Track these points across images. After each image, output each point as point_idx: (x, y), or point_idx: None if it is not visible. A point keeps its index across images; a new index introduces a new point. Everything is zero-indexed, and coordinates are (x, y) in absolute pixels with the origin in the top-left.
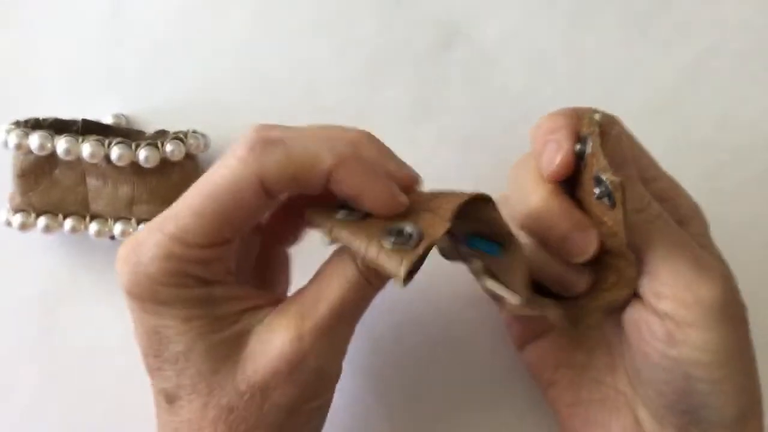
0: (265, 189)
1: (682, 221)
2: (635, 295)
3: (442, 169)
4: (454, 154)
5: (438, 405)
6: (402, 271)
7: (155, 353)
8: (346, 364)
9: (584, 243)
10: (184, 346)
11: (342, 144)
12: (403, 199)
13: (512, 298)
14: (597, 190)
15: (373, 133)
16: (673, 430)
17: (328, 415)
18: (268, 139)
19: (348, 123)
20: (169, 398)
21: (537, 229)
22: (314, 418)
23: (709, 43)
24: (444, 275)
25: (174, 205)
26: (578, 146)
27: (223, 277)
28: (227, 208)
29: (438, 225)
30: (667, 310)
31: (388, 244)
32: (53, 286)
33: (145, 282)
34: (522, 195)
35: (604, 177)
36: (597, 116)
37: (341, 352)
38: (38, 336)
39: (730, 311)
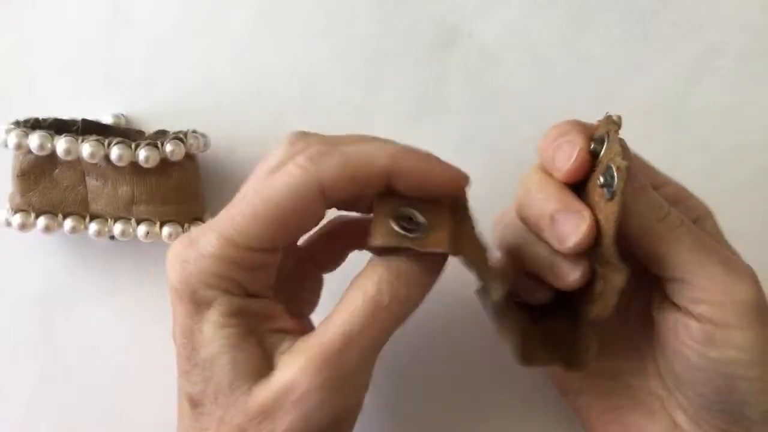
0: (324, 194)
1: (696, 222)
2: (668, 300)
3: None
4: (454, 154)
5: (438, 405)
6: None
7: (187, 355)
8: None
9: (573, 224)
10: (211, 354)
11: (389, 145)
12: (464, 172)
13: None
14: (602, 179)
15: (374, 133)
16: (712, 431)
17: None
18: (323, 146)
19: (348, 123)
20: (193, 403)
21: (529, 213)
22: None
23: (709, 43)
24: (445, 275)
25: (229, 207)
26: (593, 145)
27: (264, 291)
28: (286, 213)
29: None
30: (705, 314)
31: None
32: (53, 287)
33: (191, 280)
34: (522, 192)
35: (612, 164)
36: (614, 117)
37: (355, 387)
38: (38, 336)
39: (763, 308)
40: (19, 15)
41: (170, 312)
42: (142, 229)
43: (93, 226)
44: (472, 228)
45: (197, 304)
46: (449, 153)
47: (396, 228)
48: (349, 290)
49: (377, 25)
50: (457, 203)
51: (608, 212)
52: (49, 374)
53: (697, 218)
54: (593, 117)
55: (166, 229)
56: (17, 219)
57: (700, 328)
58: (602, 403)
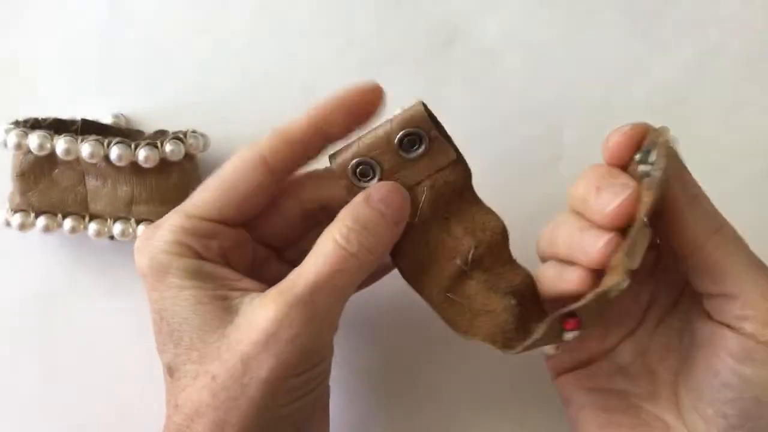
0: (265, 162)
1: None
2: (707, 314)
3: None
4: None
5: (438, 405)
6: None
7: (159, 330)
8: (346, 364)
9: (616, 191)
10: (179, 317)
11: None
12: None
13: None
14: (642, 166)
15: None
16: None
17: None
18: (271, 132)
19: None
20: (170, 371)
21: (576, 194)
22: (298, 398)
23: (709, 43)
24: None
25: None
26: (641, 167)
27: (216, 258)
28: (233, 183)
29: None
30: (749, 330)
31: None
32: (53, 286)
33: (151, 251)
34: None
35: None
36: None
37: (324, 328)
38: (38, 335)
39: None
40: (20, 15)
41: None
42: (141, 229)
43: (92, 226)
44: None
45: (157, 271)
46: None
47: (352, 178)
48: (320, 239)
49: (377, 24)
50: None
51: (645, 192)
52: (49, 374)
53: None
54: (593, 117)
55: None
56: (17, 219)
57: (739, 343)
58: (604, 418)
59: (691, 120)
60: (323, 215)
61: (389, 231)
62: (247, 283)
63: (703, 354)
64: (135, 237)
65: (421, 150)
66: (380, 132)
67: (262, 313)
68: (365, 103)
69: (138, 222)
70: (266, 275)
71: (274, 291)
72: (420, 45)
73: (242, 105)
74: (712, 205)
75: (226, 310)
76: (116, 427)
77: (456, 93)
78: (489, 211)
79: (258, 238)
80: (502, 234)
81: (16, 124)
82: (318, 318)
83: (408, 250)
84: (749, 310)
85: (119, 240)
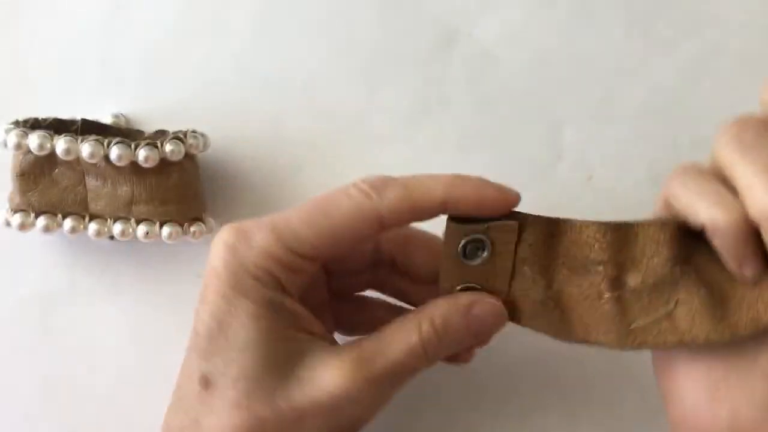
0: (381, 222)
1: None
2: None
3: (442, 169)
4: (454, 154)
5: (438, 404)
6: None
7: (212, 336)
8: None
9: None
10: (242, 341)
11: (444, 175)
12: (515, 191)
13: None
14: None
15: (374, 134)
16: None
17: None
18: (385, 179)
19: (348, 123)
20: (205, 383)
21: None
22: None
23: (709, 43)
24: None
25: (287, 212)
26: None
27: (297, 292)
28: (341, 231)
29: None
30: None
31: None
32: (53, 287)
33: (236, 266)
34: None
35: None
36: None
37: (378, 409)
38: (38, 336)
39: None
40: (19, 14)
41: (170, 312)
42: (141, 229)
43: (92, 226)
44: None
45: (236, 290)
46: (449, 153)
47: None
48: (408, 322)
49: (377, 25)
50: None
51: None
52: (49, 374)
53: None
54: (593, 117)
55: (166, 229)
56: (17, 219)
57: None
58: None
59: (690, 120)
60: (388, 260)
61: (467, 342)
62: (316, 326)
63: None
64: (135, 237)
65: (485, 254)
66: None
67: (332, 377)
68: (499, 205)
69: (138, 222)
70: (310, 298)
71: (350, 356)
72: (420, 45)
73: (242, 105)
74: None
75: (291, 353)
76: (116, 426)
77: (456, 93)
78: (580, 226)
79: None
80: (608, 231)
81: (16, 124)
82: (380, 399)
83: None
84: None
85: (119, 240)
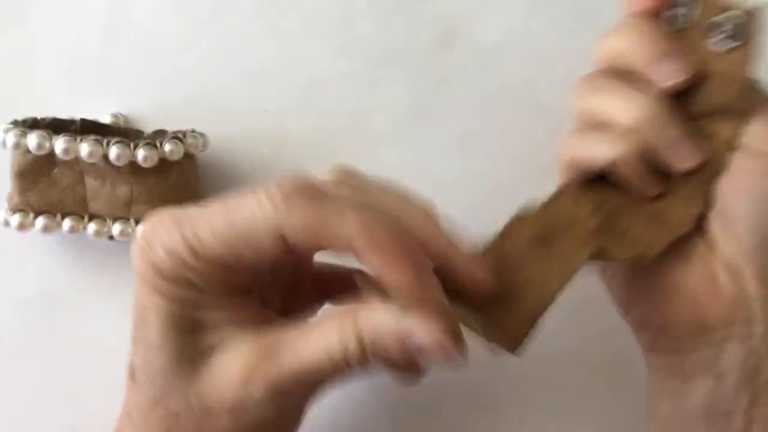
0: (285, 243)
1: None
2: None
3: (442, 169)
4: (454, 154)
5: (438, 404)
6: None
7: (136, 328)
8: None
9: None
10: (155, 337)
11: (385, 216)
12: (434, 291)
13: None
14: (715, 38)
15: (374, 134)
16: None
17: (328, 414)
18: (305, 191)
19: (348, 123)
20: (131, 374)
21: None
22: None
23: None
24: None
25: (200, 209)
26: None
27: (216, 289)
28: (241, 242)
29: None
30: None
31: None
32: (52, 287)
33: (147, 266)
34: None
35: (723, 16)
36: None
37: (293, 415)
38: (37, 336)
39: None
40: (18, 14)
41: None
42: (140, 229)
43: (92, 226)
44: None
45: (149, 287)
46: (449, 153)
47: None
48: (331, 326)
49: (377, 25)
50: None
51: (736, 58)
52: (49, 374)
53: None
54: None
55: None
56: (16, 219)
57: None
58: None
59: None
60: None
61: (403, 365)
62: (233, 315)
63: (736, 177)
64: (134, 237)
65: None
66: None
67: (236, 372)
68: (404, 289)
69: (137, 222)
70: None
71: (255, 353)
72: (420, 45)
73: (242, 105)
74: None
75: (203, 346)
76: None
77: (456, 93)
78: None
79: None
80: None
81: (15, 123)
82: (289, 406)
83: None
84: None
85: (119, 240)
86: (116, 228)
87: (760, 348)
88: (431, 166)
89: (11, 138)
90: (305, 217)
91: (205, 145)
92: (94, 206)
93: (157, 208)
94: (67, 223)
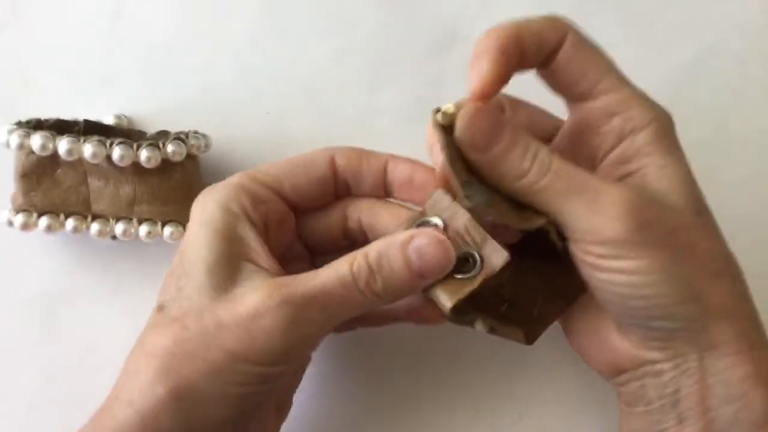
0: (333, 164)
1: (629, 134)
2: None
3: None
4: None
5: (439, 404)
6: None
7: (172, 271)
8: (347, 364)
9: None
10: (192, 265)
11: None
12: None
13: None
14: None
15: (374, 134)
16: (637, 339)
17: (328, 414)
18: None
19: (348, 123)
20: (159, 308)
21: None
22: (245, 384)
23: (706, 44)
24: None
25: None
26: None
27: (258, 222)
28: (297, 164)
29: (497, 255)
30: (585, 250)
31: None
32: (55, 286)
33: (206, 202)
34: None
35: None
36: (442, 114)
37: (300, 338)
38: (40, 335)
39: (646, 234)
40: (22, 16)
41: None
42: (143, 229)
43: (95, 226)
44: None
45: (201, 222)
46: None
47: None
48: (345, 257)
49: (377, 25)
50: None
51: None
52: (51, 374)
53: (633, 129)
54: None
55: (168, 229)
56: (20, 219)
57: (585, 258)
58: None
59: (688, 121)
60: (362, 238)
61: (408, 283)
62: (267, 260)
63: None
64: (137, 237)
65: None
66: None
67: (255, 295)
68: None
69: (140, 222)
70: (292, 270)
71: (276, 282)
72: (420, 45)
73: (244, 106)
74: (519, 154)
75: (233, 275)
76: None
77: (456, 93)
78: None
79: (300, 233)
80: None
81: (19, 124)
82: (299, 326)
83: None
84: (575, 233)
85: (122, 240)
86: (119, 228)
87: (671, 383)
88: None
89: (15, 139)
90: (353, 149)
91: (207, 145)
92: (97, 206)
93: (159, 209)
94: (70, 223)
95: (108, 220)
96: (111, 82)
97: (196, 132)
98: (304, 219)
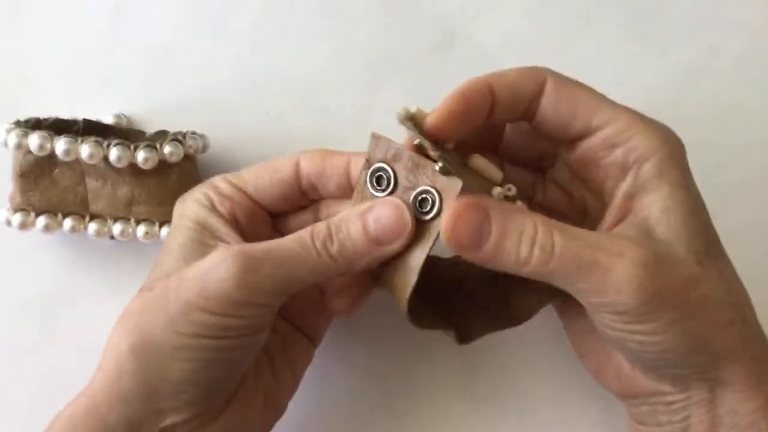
0: (297, 169)
1: (633, 165)
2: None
3: None
4: None
5: (439, 404)
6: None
7: (158, 260)
8: (347, 364)
9: None
10: (171, 248)
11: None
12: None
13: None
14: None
15: (374, 133)
16: (649, 375)
17: (325, 413)
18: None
19: (348, 124)
20: (141, 290)
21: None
22: (205, 337)
23: (706, 44)
24: None
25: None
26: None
27: (227, 215)
28: (266, 166)
29: (452, 183)
30: (600, 316)
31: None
32: (54, 286)
33: (187, 197)
34: None
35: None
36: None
37: (257, 295)
38: (38, 336)
39: (657, 302)
40: (22, 15)
41: None
42: (141, 229)
43: (92, 226)
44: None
45: (182, 214)
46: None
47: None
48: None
49: (377, 26)
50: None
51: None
52: (50, 373)
53: (637, 159)
54: None
55: (165, 230)
56: (17, 218)
57: (596, 317)
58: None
59: (688, 121)
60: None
61: (364, 247)
62: (233, 239)
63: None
64: (135, 237)
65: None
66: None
67: (215, 254)
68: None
69: (138, 222)
70: None
71: (233, 246)
72: (420, 46)
73: (243, 105)
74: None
75: (205, 251)
76: None
77: None
78: None
79: (277, 235)
80: None
81: (18, 123)
82: (252, 276)
83: None
84: (581, 295)
85: (119, 240)
86: (117, 228)
87: (682, 410)
88: None
89: (13, 138)
90: (314, 151)
91: (205, 146)
92: (95, 207)
93: (157, 209)
94: (67, 222)
95: (106, 220)
96: (111, 81)
97: (194, 133)
98: (279, 221)
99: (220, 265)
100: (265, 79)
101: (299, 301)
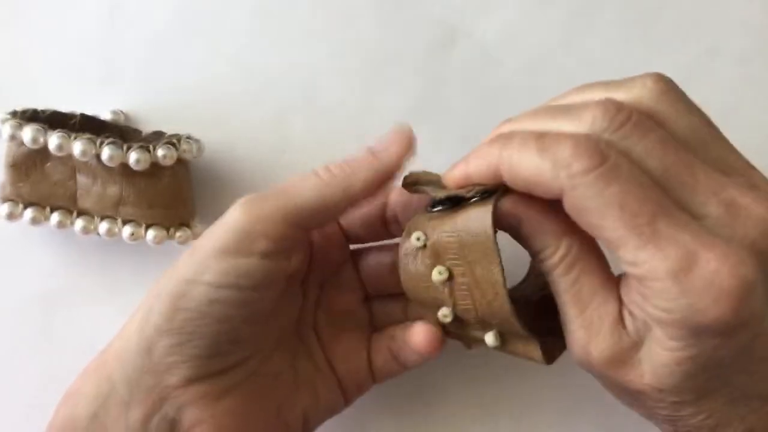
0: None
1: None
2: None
3: (442, 169)
4: (454, 154)
5: (439, 404)
6: None
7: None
8: None
9: None
10: (209, 234)
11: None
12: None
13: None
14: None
15: (374, 134)
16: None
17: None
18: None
19: (348, 123)
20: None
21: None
22: (220, 287)
23: (709, 43)
24: None
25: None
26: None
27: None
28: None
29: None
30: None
31: None
32: (52, 287)
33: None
34: None
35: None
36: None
37: (266, 226)
38: (36, 335)
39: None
40: (20, 12)
41: None
42: (127, 230)
43: (79, 223)
44: None
45: None
46: (449, 153)
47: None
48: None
49: (377, 25)
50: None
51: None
52: (48, 373)
53: (641, 278)
54: None
55: (151, 232)
56: (5, 208)
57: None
58: None
59: None
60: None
61: (371, 168)
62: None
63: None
64: (120, 236)
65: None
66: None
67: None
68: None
69: (124, 222)
70: (342, 301)
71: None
72: (420, 45)
73: (242, 105)
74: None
75: None
76: None
77: (456, 93)
78: None
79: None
80: None
81: (14, 114)
82: (258, 206)
83: None
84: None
85: (105, 238)
86: (103, 226)
87: (709, 419)
88: (431, 166)
89: (7, 129)
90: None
91: (199, 151)
92: (83, 203)
93: (144, 211)
94: (55, 217)
95: (93, 217)
96: (109, 78)
97: (189, 137)
98: (361, 257)
99: (234, 208)
100: (264, 78)
101: (351, 356)
